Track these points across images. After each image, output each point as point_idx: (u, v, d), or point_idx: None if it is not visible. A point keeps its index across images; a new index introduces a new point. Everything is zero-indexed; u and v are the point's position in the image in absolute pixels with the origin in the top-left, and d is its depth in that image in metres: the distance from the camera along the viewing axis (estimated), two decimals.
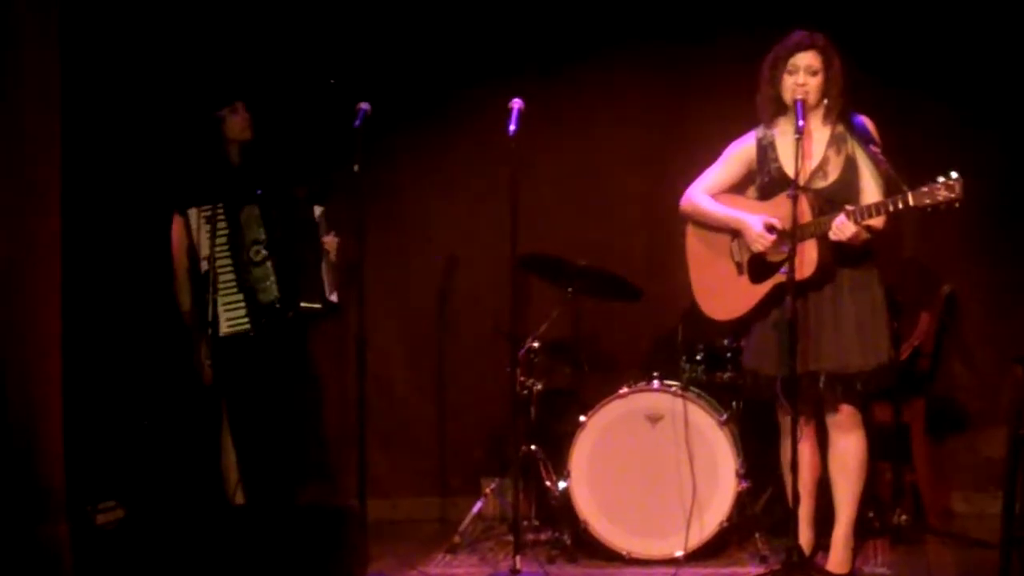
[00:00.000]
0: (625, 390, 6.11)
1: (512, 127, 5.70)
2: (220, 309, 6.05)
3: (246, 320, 6.09)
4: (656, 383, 6.11)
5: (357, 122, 5.85)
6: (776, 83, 5.50)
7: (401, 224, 7.22)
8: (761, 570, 5.69)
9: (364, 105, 5.91)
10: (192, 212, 6.09)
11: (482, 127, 6.79)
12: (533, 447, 6.35)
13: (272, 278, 6.10)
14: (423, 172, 7.26)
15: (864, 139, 5.44)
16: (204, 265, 6.07)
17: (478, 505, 6.55)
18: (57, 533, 5.24)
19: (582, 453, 6.09)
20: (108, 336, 6.67)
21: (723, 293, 5.69)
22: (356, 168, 5.77)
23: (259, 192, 6.16)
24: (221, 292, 6.06)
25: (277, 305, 6.10)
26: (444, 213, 7.25)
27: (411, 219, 7.24)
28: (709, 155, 5.81)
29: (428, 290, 7.27)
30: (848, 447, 5.55)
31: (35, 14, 5.28)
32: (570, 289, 6.41)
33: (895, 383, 5.72)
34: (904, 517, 6.28)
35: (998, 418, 6.36)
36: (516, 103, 5.78)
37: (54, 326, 5.34)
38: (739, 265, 5.66)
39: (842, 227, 5.28)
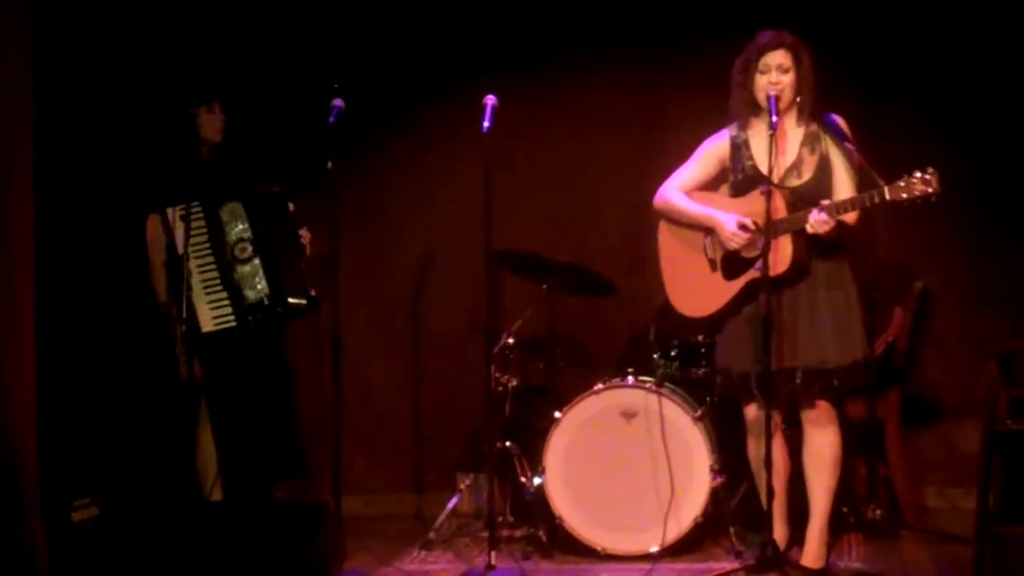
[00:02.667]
0: (600, 386, 6.12)
1: (486, 123, 5.68)
2: (203, 307, 6.00)
3: (232, 317, 6.05)
4: (631, 379, 6.12)
5: (331, 119, 5.83)
6: (749, 85, 5.50)
7: (376, 220, 7.22)
8: (736, 565, 5.70)
9: (338, 102, 5.88)
10: (169, 210, 6.04)
11: (457, 124, 6.80)
12: (508, 443, 6.35)
13: (261, 275, 6.05)
14: (398, 169, 7.27)
15: (838, 136, 5.45)
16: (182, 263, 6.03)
17: (453, 501, 6.55)
18: (32, 532, 5.22)
19: (557, 449, 6.09)
20: (82, 333, 6.65)
21: (696, 290, 5.68)
22: (330, 165, 5.75)
23: (238, 188, 6.12)
24: (203, 290, 6.01)
25: (266, 302, 6.06)
26: (419, 210, 7.25)
27: (386, 216, 7.23)
28: (684, 152, 5.80)
29: (403, 286, 7.27)
30: (824, 443, 5.56)
31: (8, 9, 5.25)
32: (545, 285, 6.41)
33: (872, 379, 5.74)
34: (878, 512, 6.32)
35: (972, 413, 6.37)
36: (490, 99, 5.74)
37: (28, 322, 5.32)
38: (712, 262, 5.66)
39: (819, 221, 5.28)
